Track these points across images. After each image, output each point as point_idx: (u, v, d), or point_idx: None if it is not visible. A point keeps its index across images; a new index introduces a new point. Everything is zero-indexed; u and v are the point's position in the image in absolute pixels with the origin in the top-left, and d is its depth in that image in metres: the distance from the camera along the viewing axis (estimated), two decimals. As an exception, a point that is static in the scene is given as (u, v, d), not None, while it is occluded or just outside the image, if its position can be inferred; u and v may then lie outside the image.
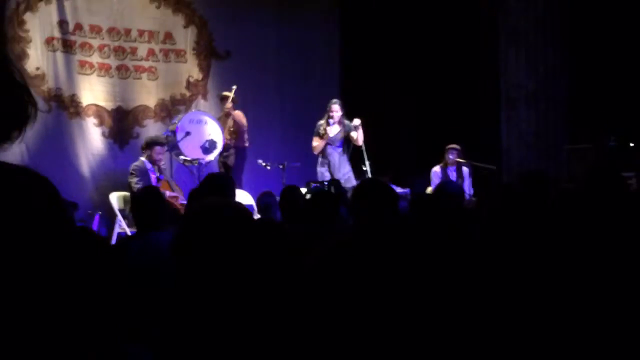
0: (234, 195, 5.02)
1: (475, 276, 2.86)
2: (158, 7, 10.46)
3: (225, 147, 9.44)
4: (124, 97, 10.14)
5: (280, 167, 9.32)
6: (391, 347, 2.14)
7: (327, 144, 8.91)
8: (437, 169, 9.95)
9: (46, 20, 9.51)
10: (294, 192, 5.63)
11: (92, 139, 9.85)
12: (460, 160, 9.89)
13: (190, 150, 9.03)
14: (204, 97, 10.77)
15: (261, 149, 10.01)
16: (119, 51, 10.09)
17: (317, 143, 8.94)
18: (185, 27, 10.67)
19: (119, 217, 8.50)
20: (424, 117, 11.40)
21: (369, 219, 3.07)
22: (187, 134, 9.01)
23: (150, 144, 8.64)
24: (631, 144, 9.22)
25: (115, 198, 8.76)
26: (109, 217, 8.96)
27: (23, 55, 9.33)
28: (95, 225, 8.98)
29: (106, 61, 9.99)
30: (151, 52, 10.38)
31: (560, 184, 7.70)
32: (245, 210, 2.06)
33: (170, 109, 10.48)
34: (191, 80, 10.71)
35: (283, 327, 1.87)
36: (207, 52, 10.81)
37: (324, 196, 4.75)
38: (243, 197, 8.37)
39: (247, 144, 9.67)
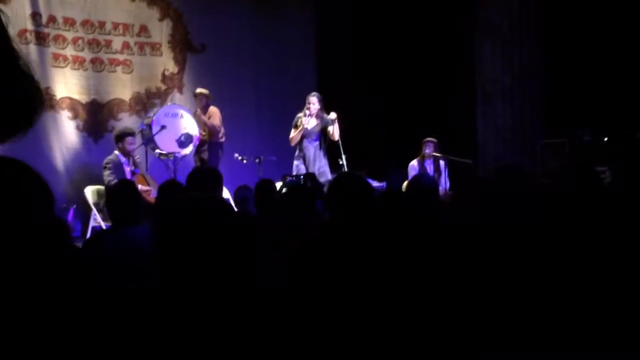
0: (221, 189, 5.01)
1: (450, 270, 2.86)
2: (133, 0, 10.38)
3: (202, 142, 9.41)
4: (99, 90, 10.06)
5: (257, 161, 9.29)
6: (367, 340, 2.13)
7: (303, 136, 8.89)
8: (414, 162, 9.99)
9: (19, 13, 9.39)
10: (268, 186, 5.62)
11: (67, 133, 9.76)
12: (437, 154, 9.93)
13: (165, 144, 8.98)
14: (180, 90, 10.72)
15: (237, 142, 9.98)
16: (93, 44, 10.00)
17: (293, 134, 8.93)
18: (161, 20, 10.61)
19: (94, 210, 8.43)
20: (400, 111, 11.42)
21: (344, 213, 3.06)
22: (163, 127, 8.96)
23: (121, 136, 8.57)
24: (605, 139, 9.31)
25: (90, 192, 8.69)
26: (84, 211, 8.90)
27: (-5, 48, 9.21)
28: (70, 219, 8.91)
29: (80, 54, 9.89)
30: (126, 45, 10.30)
31: (535, 178, 7.76)
32: (225, 204, 2.05)
33: (145, 102, 10.42)
34: (167, 73, 10.66)
35: (260, 321, 1.86)
36: (182, 45, 10.75)
37: (300, 190, 4.74)
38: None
39: (222, 140, 9.62)
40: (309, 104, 8.89)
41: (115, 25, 10.22)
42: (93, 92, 10.00)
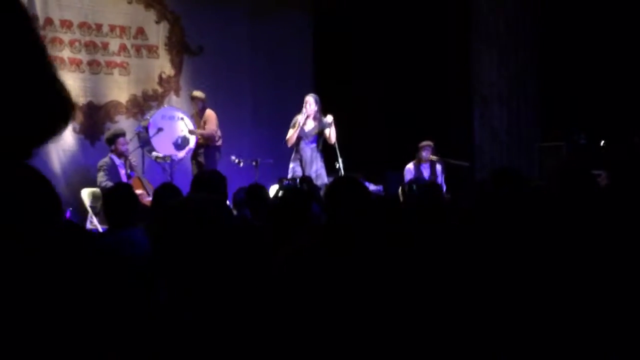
0: (226, 192, 5.01)
1: (448, 272, 2.87)
2: (130, 3, 10.38)
3: (199, 145, 9.41)
4: (96, 92, 10.05)
5: (254, 163, 9.30)
6: (361, 345, 2.14)
7: (300, 137, 8.89)
8: (410, 166, 9.98)
9: (16, 15, 9.35)
10: (260, 191, 5.64)
11: (63, 135, 9.59)
12: (434, 157, 9.93)
13: (162, 147, 8.98)
14: (177, 93, 10.72)
15: (234, 145, 9.97)
16: (90, 46, 10.00)
17: (290, 135, 8.93)
18: (157, 22, 10.61)
19: (90, 213, 8.42)
20: (397, 114, 11.43)
21: (342, 216, 3.06)
22: (160, 130, 8.95)
23: (112, 138, 8.56)
24: (601, 142, 9.32)
25: (87, 194, 8.68)
26: (80, 214, 8.89)
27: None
28: (66, 222, 8.88)
29: (77, 56, 9.89)
30: (123, 48, 10.30)
31: (532, 181, 7.76)
32: (223, 206, 2.05)
33: (142, 104, 10.41)
34: (163, 76, 10.65)
35: (256, 323, 1.86)
36: (179, 47, 10.75)
37: (296, 193, 4.74)
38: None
39: (219, 143, 9.60)
40: (307, 103, 8.90)
41: (112, 28, 10.21)
42: (90, 95, 9.99)
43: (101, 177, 8.35)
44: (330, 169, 8.99)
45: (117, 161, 8.56)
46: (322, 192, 7.92)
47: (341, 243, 2.59)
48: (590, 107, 9.68)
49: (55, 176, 9.46)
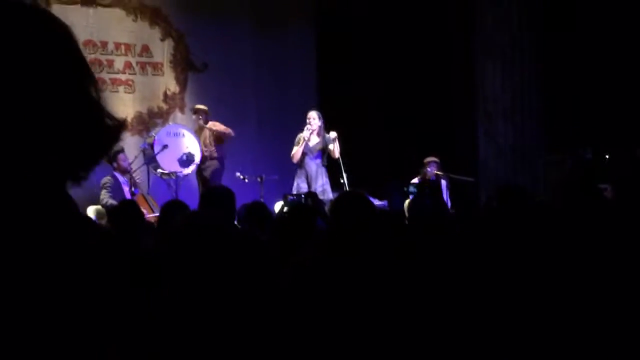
0: (234, 208, 5.02)
1: (453, 286, 2.86)
2: (135, 20, 10.43)
3: (203, 160, 9.41)
4: (101, 110, 10.06)
5: (258, 179, 9.31)
6: (366, 356, 2.13)
7: (304, 153, 8.92)
8: (415, 181, 9.98)
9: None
10: (260, 209, 5.66)
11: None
12: (439, 172, 9.93)
13: (167, 164, 8.99)
14: (181, 110, 10.75)
15: (239, 161, 9.99)
16: (95, 64, 10.04)
17: (295, 151, 8.97)
18: (162, 40, 10.65)
19: (96, 231, 8.40)
20: (401, 130, 11.44)
21: (347, 231, 3.06)
22: (165, 147, 8.97)
23: (112, 156, 8.54)
24: (606, 156, 9.32)
25: (92, 211, 8.69)
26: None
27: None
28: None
29: (82, 74, 9.91)
30: (128, 65, 10.34)
31: (537, 196, 7.76)
32: (231, 223, 2.06)
33: (147, 122, 10.44)
34: (168, 93, 10.69)
35: (262, 337, 1.87)
36: (184, 65, 10.79)
37: (301, 209, 4.75)
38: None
39: (229, 136, 9.67)
40: (310, 119, 8.94)
41: (117, 46, 10.26)
42: (95, 112, 10.01)
43: (104, 195, 8.36)
44: (334, 184, 9.00)
45: (121, 179, 8.57)
46: (327, 207, 7.93)
47: (346, 256, 2.59)
48: (595, 121, 9.68)
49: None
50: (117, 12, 10.31)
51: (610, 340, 2.72)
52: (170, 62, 10.70)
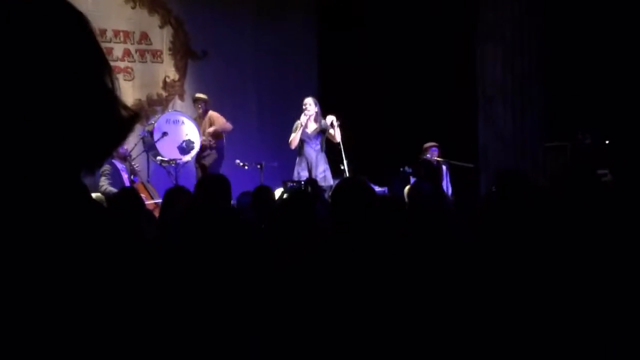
0: (229, 196, 5.01)
1: (454, 276, 2.86)
2: (133, 8, 10.39)
3: (202, 148, 9.40)
4: (100, 97, 10.05)
5: (258, 167, 9.30)
6: (364, 347, 2.13)
7: (303, 140, 8.91)
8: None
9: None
10: (266, 193, 5.64)
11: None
12: (439, 158, 9.93)
13: (167, 151, 8.98)
14: (181, 97, 10.73)
15: (239, 149, 9.98)
16: (95, 51, 10.00)
17: (292, 137, 8.97)
18: (161, 27, 10.62)
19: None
20: (401, 115, 11.43)
21: (348, 218, 3.06)
22: (164, 134, 8.96)
23: None
24: (607, 142, 9.31)
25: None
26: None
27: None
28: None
29: (82, 62, 9.89)
30: (127, 53, 10.32)
31: (537, 182, 7.75)
32: (232, 211, 2.06)
33: (147, 109, 10.43)
34: (168, 80, 10.67)
35: (258, 325, 1.87)
36: (183, 52, 10.77)
37: (301, 196, 4.74)
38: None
39: (227, 130, 9.67)
40: (306, 105, 8.94)
41: (116, 33, 10.23)
42: (94, 100, 10.00)
43: (103, 182, 8.35)
44: (335, 170, 9.00)
45: (119, 166, 8.57)
46: (328, 194, 7.93)
47: (346, 244, 2.59)
48: (596, 107, 9.66)
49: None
50: (116, -1, 10.29)
51: (612, 327, 2.72)
52: (170, 49, 10.68)
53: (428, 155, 9.89)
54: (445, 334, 2.45)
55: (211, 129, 9.46)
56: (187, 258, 1.90)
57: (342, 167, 8.88)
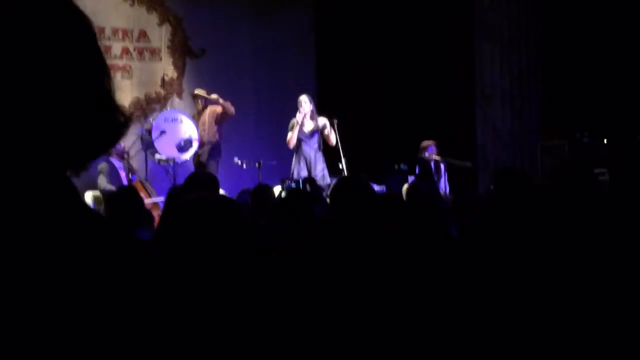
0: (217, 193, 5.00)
1: (453, 273, 2.87)
2: (132, 5, 10.38)
3: (200, 145, 9.41)
4: (98, 96, 10.04)
5: (256, 165, 9.30)
6: (362, 344, 2.14)
7: (300, 139, 8.91)
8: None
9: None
10: (265, 192, 5.64)
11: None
12: (437, 157, 9.92)
13: (165, 149, 8.98)
14: (179, 95, 10.73)
15: (237, 147, 9.98)
16: (93, 49, 10.00)
17: (290, 136, 8.97)
18: (160, 25, 10.61)
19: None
20: (399, 114, 11.44)
21: (347, 216, 3.07)
22: (163, 132, 8.96)
23: None
24: (604, 140, 9.32)
25: (90, 197, 8.69)
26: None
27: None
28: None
29: (80, 60, 9.87)
30: (125, 51, 10.31)
31: (534, 180, 7.76)
32: (236, 206, 2.06)
33: (145, 107, 10.42)
34: (166, 78, 10.66)
35: (256, 323, 1.87)
36: (181, 50, 10.76)
37: (299, 195, 4.75)
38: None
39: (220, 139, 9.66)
40: (301, 103, 8.94)
41: (115, 31, 10.23)
42: (93, 98, 9.98)
43: (101, 181, 8.35)
44: (333, 169, 9.00)
45: (117, 164, 8.56)
46: (326, 193, 7.93)
47: (345, 241, 2.59)
48: (593, 106, 9.68)
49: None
50: (114, -3, 10.27)
51: (610, 325, 2.73)
52: (168, 47, 10.67)
53: (426, 153, 9.89)
54: (443, 330, 2.45)
55: (219, 109, 9.47)
56: (186, 258, 1.90)
57: (341, 166, 8.88)
